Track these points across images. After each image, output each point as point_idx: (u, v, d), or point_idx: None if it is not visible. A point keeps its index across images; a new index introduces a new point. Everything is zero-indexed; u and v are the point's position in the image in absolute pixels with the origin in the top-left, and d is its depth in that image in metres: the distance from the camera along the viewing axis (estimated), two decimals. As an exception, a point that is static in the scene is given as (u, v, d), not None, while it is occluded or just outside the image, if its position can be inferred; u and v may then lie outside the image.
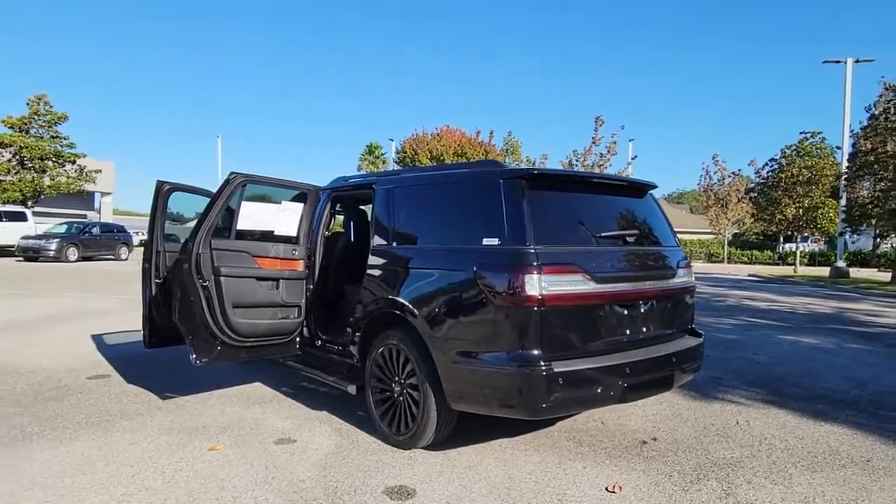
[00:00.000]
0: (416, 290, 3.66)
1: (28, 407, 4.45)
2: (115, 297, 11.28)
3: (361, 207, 5.75)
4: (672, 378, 3.73)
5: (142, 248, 5.64)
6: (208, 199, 4.46)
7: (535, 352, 3.12)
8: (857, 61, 23.27)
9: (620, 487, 3.19)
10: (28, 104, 29.29)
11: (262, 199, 4.68)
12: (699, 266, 31.91)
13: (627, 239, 3.81)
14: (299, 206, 4.67)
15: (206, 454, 3.58)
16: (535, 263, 3.13)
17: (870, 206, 20.57)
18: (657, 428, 4.22)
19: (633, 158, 31.45)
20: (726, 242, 41.18)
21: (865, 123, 21.69)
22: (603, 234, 3.65)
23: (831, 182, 27.94)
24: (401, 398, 3.75)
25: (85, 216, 35.85)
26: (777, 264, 38.69)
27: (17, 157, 28.64)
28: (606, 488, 3.18)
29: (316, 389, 5.05)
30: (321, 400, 4.76)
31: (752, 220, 35.47)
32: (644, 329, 3.67)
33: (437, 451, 3.66)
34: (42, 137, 29.59)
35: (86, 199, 37.96)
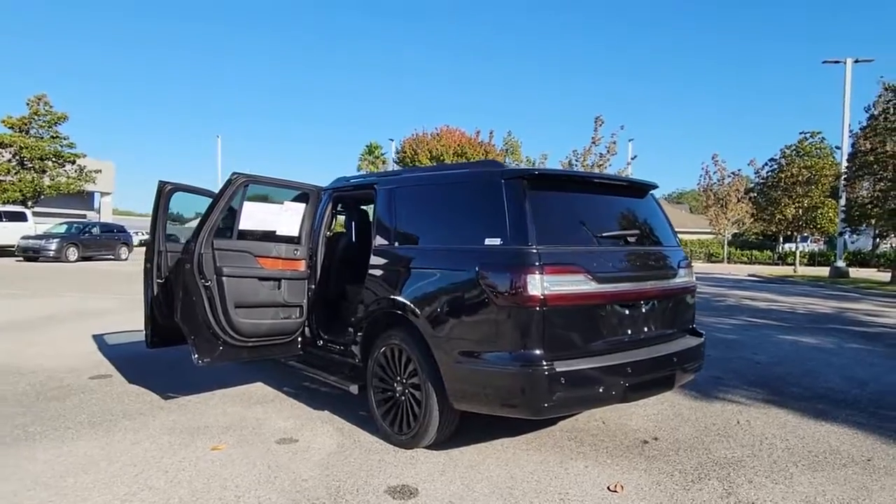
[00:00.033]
0: (419, 290, 3.67)
1: (30, 407, 4.46)
2: (115, 297, 11.28)
3: (362, 208, 5.76)
4: (673, 378, 3.74)
5: (141, 248, 5.64)
6: (210, 200, 4.47)
7: (538, 351, 3.13)
8: (856, 61, 23.30)
9: (622, 486, 3.20)
10: (28, 104, 29.29)
11: (263, 199, 4.69)
12: (699, 266, 31.91)
13: (629, 239, 3.82)
14: (301, 206, 4.68)
15: (208, 454, 3.58)
16: (537, 263, 3.14)
17: (869, 206, 20.59)
18: (658, 427, 4.23)
19: (632, 158, 31.50)
20: (726, 242, 41.20)
21: (865, 123, 21.71)
22: (604, 234, 3.66)
23: (831, 182, 27.97)
24: (403, 398, 3.76)
25: (84, 216, 35.84)
26: (777, 264, 38.70)
27: (17, 158, 28.63)
28: (608, 487, 3.19)
29: (317, 389, 5.06)
30: (323, 400, 4.76)
31: (752, 220, 35.50)
32: (645, 329, 3.68)
33: (439, 450, 3.66)
34: (42, 137, 29.58)
35: (85, 199, 37.95)
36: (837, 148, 25.41)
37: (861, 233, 25.14)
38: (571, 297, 3.27)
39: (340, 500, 3.00)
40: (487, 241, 3.37)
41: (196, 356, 4.13)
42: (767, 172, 31.14)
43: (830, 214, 29.42)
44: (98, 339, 7.13)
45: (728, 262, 39.93)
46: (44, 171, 29.36)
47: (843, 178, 22.79)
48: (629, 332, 3.58)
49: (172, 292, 4.56)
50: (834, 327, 9.46)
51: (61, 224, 24.71)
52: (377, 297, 3.98)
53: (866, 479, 3.37)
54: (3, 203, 26.85)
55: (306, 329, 4.63)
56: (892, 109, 19.93)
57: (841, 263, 23.47)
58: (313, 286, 4.63)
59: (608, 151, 27.89)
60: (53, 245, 21.47)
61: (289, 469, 3.38)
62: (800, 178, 28.43)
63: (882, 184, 20.19)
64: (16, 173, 28.41)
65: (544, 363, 3.09)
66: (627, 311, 3.57)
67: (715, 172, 38.04)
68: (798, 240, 34.07)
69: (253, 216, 4.42)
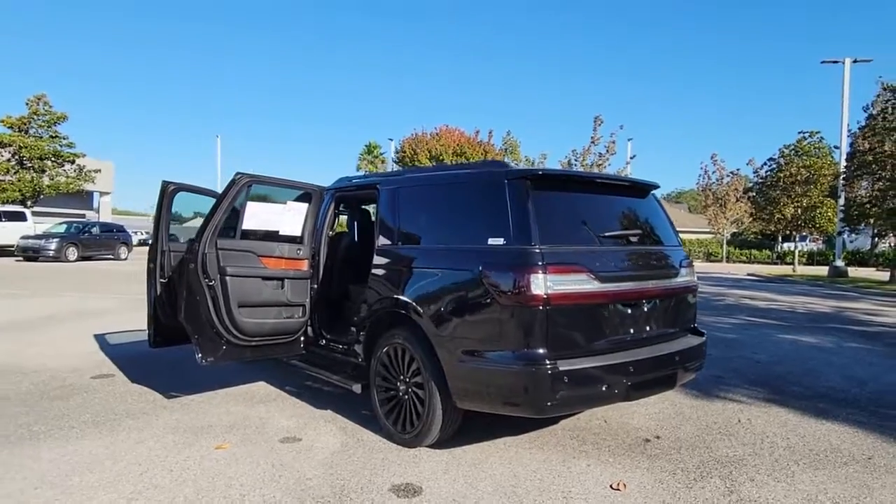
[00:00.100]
0: (422, 290, 3.69)
1: (34, 406, 4.47)
2: (115, 297, 11.29)
3: (364, 208, 5.78)
4: (675, 377, 3.76)
5: (141, 248, 5.64)
6: (212, 200, 4.48)
7: (541, 350, 3.14)
8: (855, 61, 23.33)
9: (625, 485, 3.22)
10: (27, 104, 29.24)
11: (262, 199, 4.70)
12: (698, 265, 31.74)
13: (630, 238, 3.84)
14: (304, 206, 4.70)
15: (212, 453, 3.60)
16: (540, 263, 3.15)
17: (868, 206, 20.64)
18: (660, 426, 4.25)
19: (631, 158, 31.54)
20: (725, 242, 41.26)
21: (863, 123, 21.77)
22: (606, 234, 3.68)
23: (829, 181, 28.03)
24: (406, 397, 3.77)
25: (84, 216, 35.81)
26: (776, 263, 38.78)
27: (17, 157, 28.61)
28: (611, 486, 3.21)
29: (320, 389, 5.07)
30: (326, 399, 4.78)
31: (751, 219, 35.57)
32: (647, 328, 3.70)
33: (442, 449, 3.68)
34: (41, 137, 29.53)
35: (85, 198, 37.94)
36: (836, 147, 25.46)
37: (860, 232, 25.23)
38: (574, 297, 3.29)
39: (345, 499, 3.01)
40: (491, 241, 3.38)
41: (200, 355, 4.14)
42: (766, 172, 31.21)
43: (829, 214, 29.49)
44: (99, 338, 7.14)
45: (727, 262, 39.99)
46: (43, 171, 29.33)
47: (841, 177, 22.84)
48: (631, 331, 3.60)
49: (176, 292, 4.58)
50: (833, 326, 9.49)
51: (61, 224, 24.66)
52: (380, 297, 4.00)
53: (867, 478, 3.39)
54: (3, 203, 26.83)
55: (309, 328, 4.64)
56: (890, 109, 19.97)
57: (840, 263, 23.50)
58: (316, 286, 4.65)
59: (607, 151, 27.94)
60: (53, 245, 21.45)
61: (293, 468, 3.39)
62: (798, 178, 28.49)
63: (881, 183, 20.24)
64: (15, 173, 28.38)
65: (547, 362, 3.11)
66: (630, 311, 3.59)
67: (714, 172, 38.10)
68: (797, 239, 34.17)
69: (256, 216, 4.44)
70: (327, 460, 3.51)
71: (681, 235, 4.46)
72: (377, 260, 4.10)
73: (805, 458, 3.66)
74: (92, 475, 3.25)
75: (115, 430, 3.97)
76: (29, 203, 28.37)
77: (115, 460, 3.46)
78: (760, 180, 31.75)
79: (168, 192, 4.87)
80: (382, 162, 45.33)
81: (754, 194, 33.00)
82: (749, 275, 25.42)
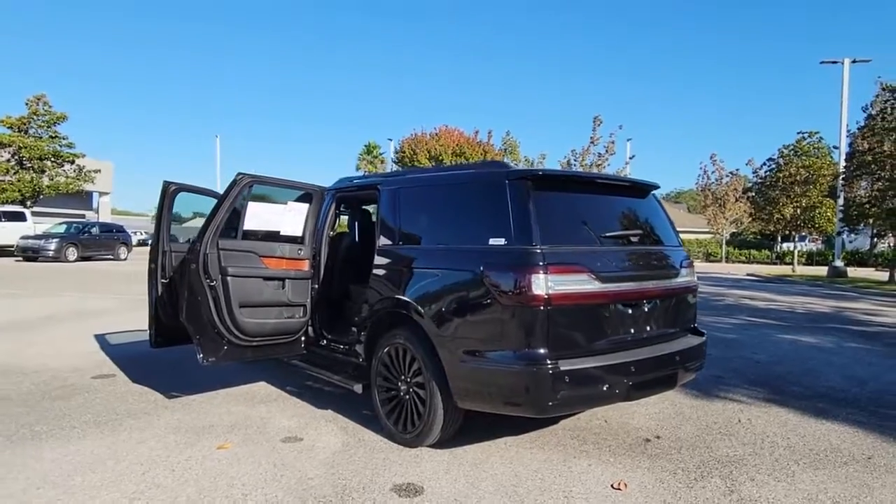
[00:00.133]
0: (423, 290, 3.70)
1: (35, 406, 4.48)
2: (115, 297, 11.29)
3: (365, 208, 5.78)
4: (675, 376, 3.77)
5: (141, 248, 5.65)
6: (213, 200, 4.49)
7: (542, 350, 3.15)
8: (854, 62, 23.35)
9: (626, 485, 3.23)
10: (27, 104, 29.25)
11: (263, 199, 4.71)
12: (697, 265, 31.83)
13: (631, 239, 3.85)
14: (305, 206, 4.71)
15: (214, 452, 3.61)
16: (541, 263, 3.16)
17: (867, 206, 20.66)
18: (660, 426, 4.26)
19: (630, 158, 31.58)
20: (724, 242, 41.28)
21: (862, 123, 21.82)
22: (607, 234, 3.69)
23: (829, 182, 28.05)
24: (407, 397, 3.78)
25: (83, 216, 35.81)
26: (775, 263, 38.80)
27: (16, 157, 28.61)
28: (612, 485, 3.22)
29: (321, 388, 5.08)
30: (326, 399, 4.79)
31: (750, 219, 35.60)
32: (648, 328, 3.71)
33: (443, 449, 3.69)
34: (41, 137, 29.55)
35: (84, 198, 37.94)
36: (835, 148, 25.50)
37: (859, 232, 25.29)
38: (575, 297, 3.30)
39: (347, 498, 3.02)
40: (492, 241, 3.39)
41: (201, 356, 4.15)
42: (765, 172, 31.22)
43: (828, 214, 29.51)
44: (100, 338, 7.14)
45: (726, 262, 40.01)
46: (43, 171, 29.34)
47: (840, 177, 22.87)
48: (632, 331, 3.61)
49: (177, 292, 4.58)
50: (833, 326, 9.50)
51: (60, 224, 24.68)
52: (381, 297, 4.00)
53: (867, 477, 3.40)
54: (2, 203, 26.81)
55: (310, 328, 4.65)
56: (889, 109, 20.01)
57: (839, 263, 23.53)
58: (317, 286, 4.66)
59: (607, 151, 27.96)
60: (53, 245, 21.46)
61: (295, 468, 3.40)
62: (798, 178, 28.50)
63: (880, 183, 20.27)
64: (15, 173, 28.39)
65: (548, 362, 3.12)
66: (630, 311, 3.60)
67: (713, 172, 38.09)
68: (796, 239, 34.16)
69: (257, 216, 4.45)
70: (329, 460, 3.52)
71: (680, 235, 4.47)
72: (378, 260, 4.11)
73: (805, 458, 3.67)
74: (94, 475, 3.25)
75: (117, 430, 3.98)
76: (28, 203, 28.37)
77: (117, 460, 3.47)
78: (760, 180, 31.76)
79: (169, 193, 4.87)
80: (382, 162, 45.33)
81: (753, 194, 33.02)
82: (748, 275, 25.44)
